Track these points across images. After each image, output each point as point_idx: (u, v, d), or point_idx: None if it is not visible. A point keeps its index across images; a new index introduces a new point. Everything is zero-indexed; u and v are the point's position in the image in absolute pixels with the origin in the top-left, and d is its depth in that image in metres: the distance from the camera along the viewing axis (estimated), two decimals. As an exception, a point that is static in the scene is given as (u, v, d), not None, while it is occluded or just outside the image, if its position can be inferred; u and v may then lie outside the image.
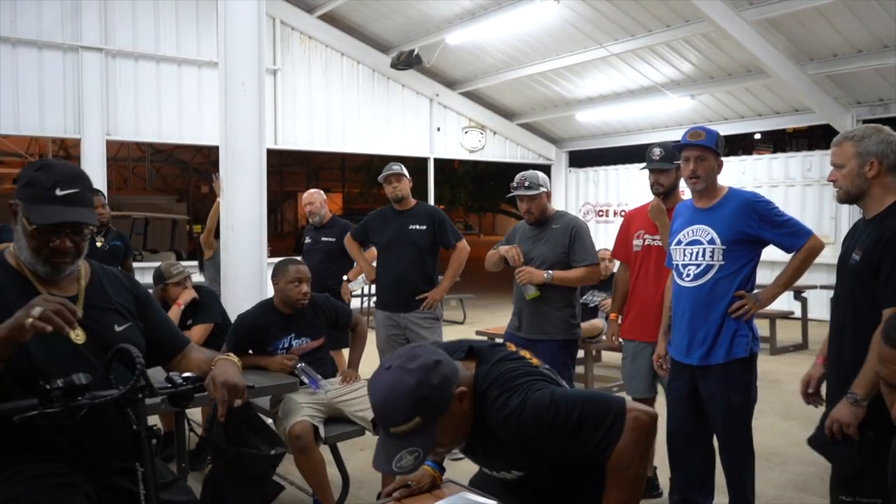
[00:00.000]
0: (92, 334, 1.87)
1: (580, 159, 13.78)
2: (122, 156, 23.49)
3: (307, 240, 5.81)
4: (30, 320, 1.54)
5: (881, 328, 1.26)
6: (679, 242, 3.12)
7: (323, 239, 5.61)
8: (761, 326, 8.82)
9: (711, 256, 2.98)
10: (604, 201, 12.72)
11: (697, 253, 3.02)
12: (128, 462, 1.79)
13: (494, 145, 12.79)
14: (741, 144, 18.43)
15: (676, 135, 11.43)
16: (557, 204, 13.39)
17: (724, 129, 11.32)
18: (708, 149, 3.00)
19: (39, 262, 1.83)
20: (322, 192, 5.88)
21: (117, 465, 1.85)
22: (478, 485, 2.10)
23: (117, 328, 1.94)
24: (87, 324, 1.87)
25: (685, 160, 3.04)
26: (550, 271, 3.76)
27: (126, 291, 2.04)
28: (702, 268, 3.01)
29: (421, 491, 2.04)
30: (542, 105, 12.23)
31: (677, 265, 3.12)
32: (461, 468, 2.39)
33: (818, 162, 10.05)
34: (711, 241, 2.99)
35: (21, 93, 8.61)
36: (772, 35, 8.31)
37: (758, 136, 19.22)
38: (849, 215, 9.13)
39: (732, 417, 3.01)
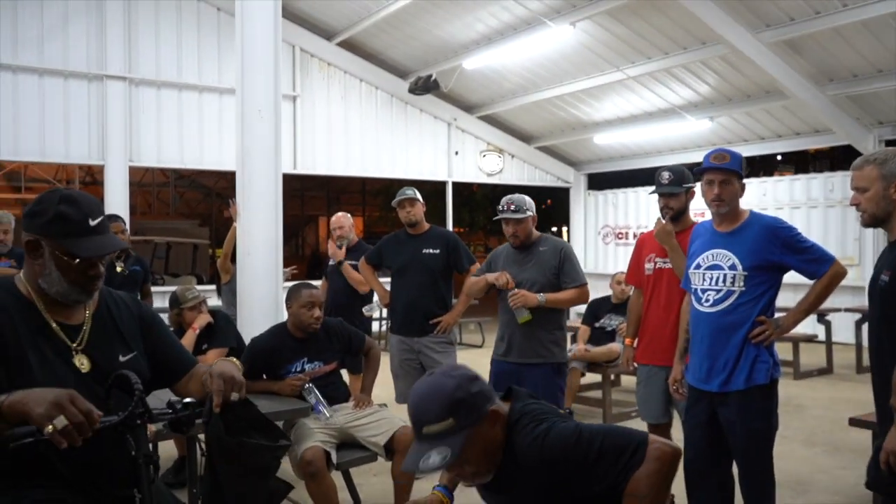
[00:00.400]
0: (97, 363, 1.87)
1: (599, 182, 13.75)
2: (146, 181, 23.86)
3: (332, 262, 5.83)
4: (50, 428, 1.51)
5: None
6: (698, 266, 3.05)
7: (347, 262, 5.62)
8: (784, 350, 8.65)
9: (732, 282, 2.92)
10: (623, 223, 12.66)
11: (718, 278, 2.96)
12: (128, 489, 1.78)
13: (513, 168, 12.82)
14: (762, 166, 18.26)
15: (695, 157, 11.41)
16: (576, 226, 13.39)
17: (744, 151, 11.10)
18: (733, 172, 2.96)
19: (76, 291, 1.85)
20: (349, 216, 5.91)
21: (118, 492, 1.84)
22: None
23: (122, 358, 1.94)
24: (92, 353, 1.88)
25: (708, 183, 2.98)
26: (542, 294, 3.75)
27: (131, 316, 2.04)
28: (722, 293, 2.95)
29: None
30: (559, 128, 12.25)
31: (696, 290, 3.06)
32: (470, 497, 2.33)
33: (840, 183, 9.91)
34: (732, 267, 2.93)
35: (47, 121, 8.82)
36: (790, 56, 8.28)
37: (779, 158, 19.04)
38: (873, 236, 8.99)
39: (753, 445, 2.93)
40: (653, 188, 3.66)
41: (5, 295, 1.84)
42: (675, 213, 3.58)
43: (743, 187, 3.00)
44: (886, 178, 2.37)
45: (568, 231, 13.82)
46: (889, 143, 9.15)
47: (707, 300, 2.99)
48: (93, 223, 1.83)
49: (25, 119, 8.67)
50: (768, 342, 2.91)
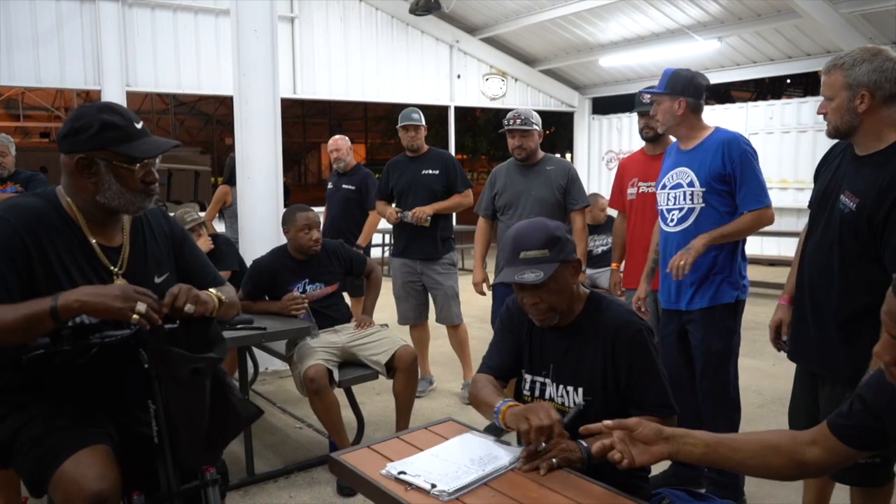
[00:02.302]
0: (134, 285, 1.85)
1: (603, 106, 13.51)
2: (146, 109, 23.59)
3: (329, 185, 5.83)
4: (136, 316, 1.59)
5: None
6: (664, 186, 3.06)
7: (344, 186, 5.60)
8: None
9: (692, 199, 2.92)
10: (627, 148, 12.50)
11: (679, 196, 2.97)
12: (142, 401, 1.79)
13: (516, 93, 12.59)
14: (770, 88, 17.92)
15: (702, 79, 11.04)
16: (580, 151, 13.25)
17: (753, 73, 11.03)
18: (662, 94, 2.93)
19: (139, 198, 1.83)
20: (348, 139, 5.85)
21: (132, 405, 1.86)
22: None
23: (157, 279, 1.95)
24: (130, 277, 1.88)
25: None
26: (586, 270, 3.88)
27: (163, 234, 2.03)
28: (684, 212, 2.95)
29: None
30: (564, 50, 11.95)
31: (662, 210, 3.07)
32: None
33: (850, 105, 9.72)
34: (691, 184, 2.93)
35: (41, 45, 8.62)
36: (803, -28, 7.98)
37: (788, 81, 18.65)
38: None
39: (711, 363, 2.96)
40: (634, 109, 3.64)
41: (52, 213, 1.81)
42: (655, 135, 3.56)
43: (681, 104, 2.90)
44: (852, 87, 2.06)
45: (572, 156, 13.68)
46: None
47: (672, 220, 3.00)
48: (139, 127, 1.83)
49: (19, 43, 8.47)
50: (688, 268, 2.77)
